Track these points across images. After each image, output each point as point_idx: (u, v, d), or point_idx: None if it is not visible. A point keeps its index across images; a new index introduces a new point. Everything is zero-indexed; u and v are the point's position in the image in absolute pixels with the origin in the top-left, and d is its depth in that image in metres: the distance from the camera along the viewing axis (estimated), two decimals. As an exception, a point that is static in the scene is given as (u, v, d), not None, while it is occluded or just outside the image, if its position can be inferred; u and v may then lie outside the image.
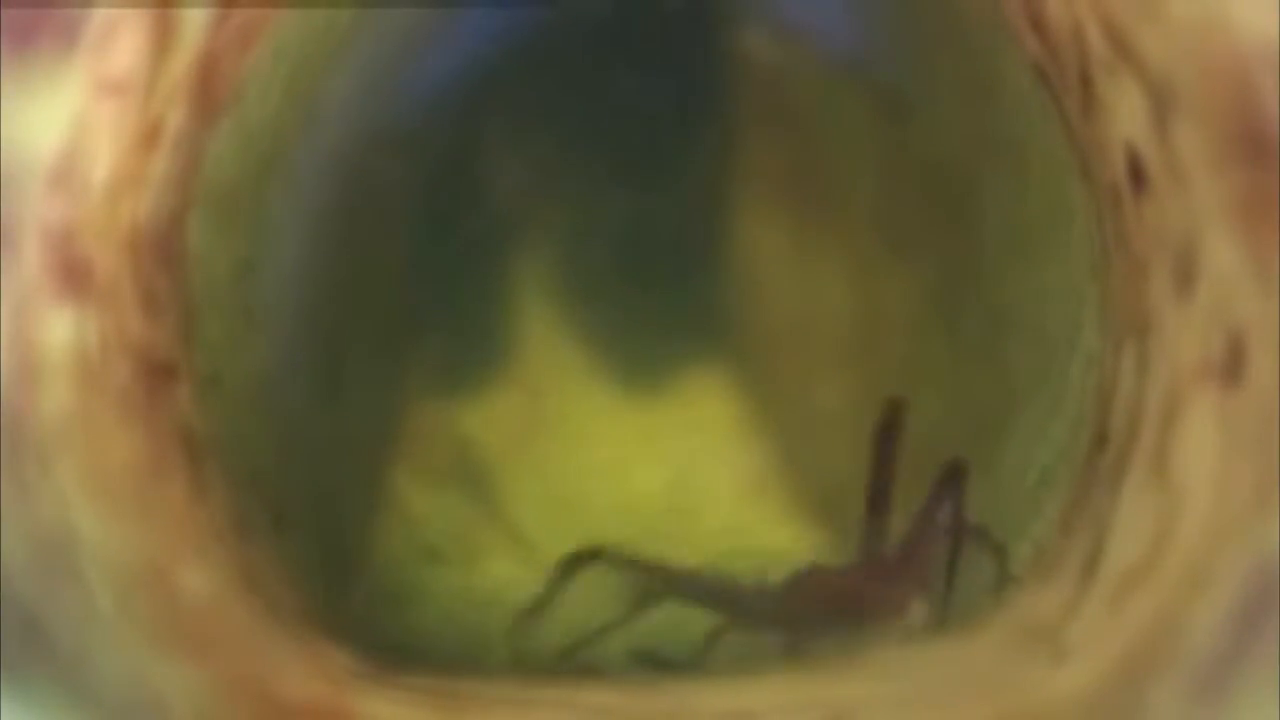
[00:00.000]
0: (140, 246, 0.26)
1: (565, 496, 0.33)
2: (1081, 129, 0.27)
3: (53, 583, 0.22)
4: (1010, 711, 0.24)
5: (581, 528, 0.32)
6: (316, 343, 0.33)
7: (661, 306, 0.34)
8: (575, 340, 0.34)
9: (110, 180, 0.24)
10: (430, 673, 0.28)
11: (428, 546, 0.33)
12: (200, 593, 0.25)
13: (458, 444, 0.33)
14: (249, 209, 0.31)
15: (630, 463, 0.33)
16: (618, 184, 0.34)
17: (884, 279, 0.34)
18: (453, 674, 0.29)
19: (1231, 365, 0.22)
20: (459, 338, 0.34)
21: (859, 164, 0.34)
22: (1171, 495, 0.23)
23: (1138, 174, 0.25)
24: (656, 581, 0.31)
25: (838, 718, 0.26)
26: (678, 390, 0.33)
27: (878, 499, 0.31)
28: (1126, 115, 0.25)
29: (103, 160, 0.24)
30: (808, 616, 0.30)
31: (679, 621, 0.31)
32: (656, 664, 0.31)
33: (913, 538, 0.31)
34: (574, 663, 0.31)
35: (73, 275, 0.23)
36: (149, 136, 0.25)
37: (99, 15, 0.23)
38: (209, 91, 0.27)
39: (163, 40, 0.24)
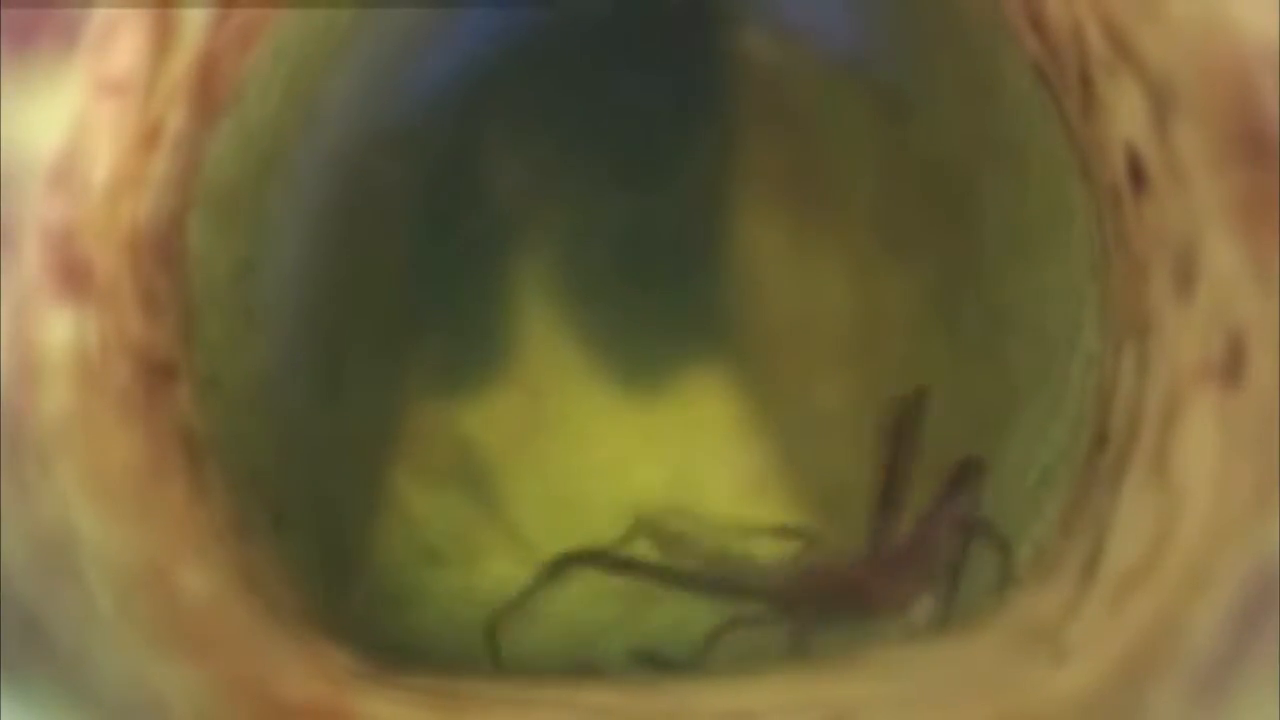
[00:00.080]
0: (140, 246, 0.26)
1: (565, 496, 0.33)
2: (1081, 129, 0.27)
3: (53, 583, 0.22)
4: (1010, 712, 0.24)
5: (581, 528, 0.32)
6: (316, 343, 0.33)
7: (661, 307, 0.34)
8: (575, 340, 0.34)
9: (110, 180, 0.24)
10: (430, 673, 0.28)
11: (428, 547, 0.33)
12: (200, 593, 0.25)
13: (458, 444, 0.33)
14: (249, 209, 0.31)
15: (630, 463, 0.33)
16: (617, 184, 0.34)
17: (884, 279, 0.34)
18: (453, 674, 0.29)
19: (1231, 365, 0.22)
20: (459, 338, 0.34)
21: (859, 164, 0.34)
22: (1171, 495, 0.23)
23: (1138, 174, 0.25)
24: (660, 576, 0.31)
25: (838, 718, 0.26)
26: (678, 390, 0.33)
27: (890, 492, 0.31)
28: (1126, 115, 0.25)
29: (103, 160, 0.24)
30: (813, 605, 0.30)
31: (679, 621, 0.31)
32: (656, 664, 0.31)
33: (921, 534, 0.31)
34: (571, 663, 0.31)
35: (73, 275, 0.23)
36: (149, 137, 0.25)
37: (99, 15, 0.23)
38: (209, 91, 0.27)
39: (163, 40, 0.24)
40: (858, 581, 0.31)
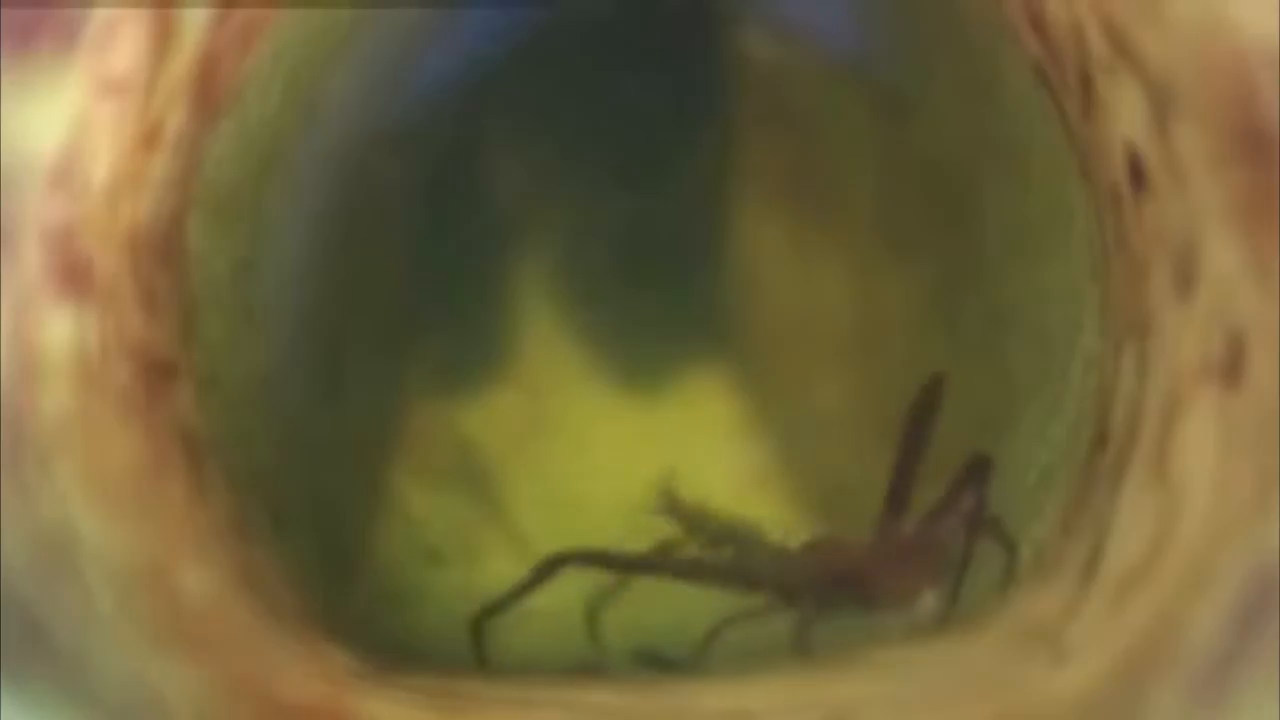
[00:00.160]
0: (140, 246, 0.26)
1: (565, 496, 0.33)
2: (1081, 129, 0.27)
3: (53, 583, 0.22)
4: (1010, 712, 0.24)
5: (581, 528, 0.32)
6: (316, 342, 0.33)
7: (661, 306, 0.34)
8: (575, 340, 0.34)
9: (110, 180, 0.24)
10: (430, 673, 0.28)
11: (428, 547, 0.33)
12: (200, 593, 0.25)
13: (458, 444, 0.33)
14: (249, 209, 0.31)
15: (630, 463, 0.33)
16: (617, 184, 0.34)
17: (884, 279, 0.34)
18: (453, 674, 0.29)
19: (1231, 365, 0.22)
20: (459, 338, 0.34)
21: (859, 164, 0.34)
22: (1171, 495, 0.23)
23: (1138, 174, 0.25)
24: (658, 570, 0.31)
25: (838, 718, 0.26)
26: (678, 390, 0.33)
27: (900, 485, 0.31)
28: (1126, 115, 0.25)
29: (103, 160, 0.24)
30: (816, 595, 0.30)
31: (679, 621, 0.31)
32: (656, 664, 0.31)
33: (929, 528, 0.30)
34: (570, 662, 0.31)
35: (73, 275, 0.23)
36: (149, 137, 0.25)
37: (99, 15, 0.23)
38: (209, 92, 0.27)
39: (163, 40, 0.24)
40: (863, 571, 0.30)
